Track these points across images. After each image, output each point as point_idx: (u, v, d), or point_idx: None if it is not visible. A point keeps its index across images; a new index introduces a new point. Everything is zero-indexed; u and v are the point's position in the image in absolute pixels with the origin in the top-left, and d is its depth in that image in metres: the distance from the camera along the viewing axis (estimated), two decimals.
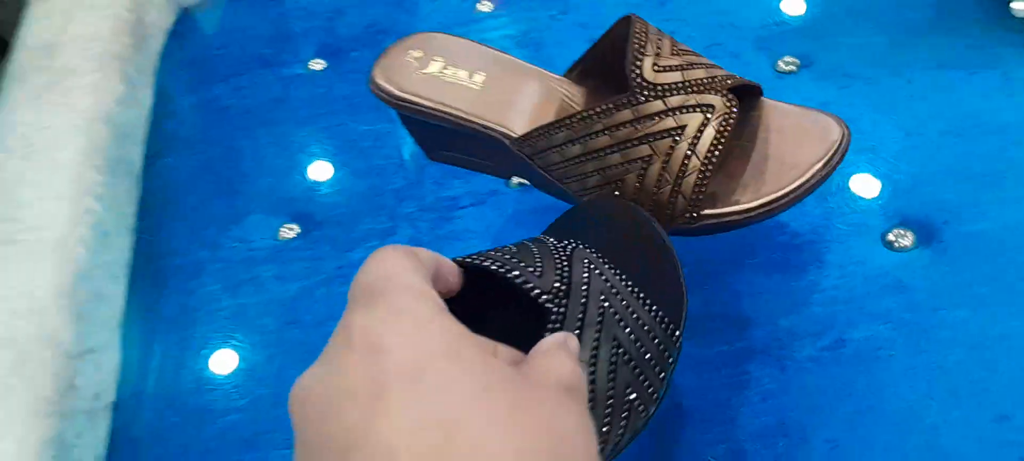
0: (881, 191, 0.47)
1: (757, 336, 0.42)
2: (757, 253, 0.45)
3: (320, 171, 0.56)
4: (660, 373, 0.31)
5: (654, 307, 0.32)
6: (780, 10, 0.58)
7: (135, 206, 0.56)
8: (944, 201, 0.46)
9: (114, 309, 0.50)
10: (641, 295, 0.32)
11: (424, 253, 0.28)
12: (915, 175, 0.47)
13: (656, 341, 0.31)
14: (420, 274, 0.26)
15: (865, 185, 0.47)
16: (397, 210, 0.53)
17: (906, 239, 0.44)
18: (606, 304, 0.30)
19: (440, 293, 0.26)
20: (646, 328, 0.31)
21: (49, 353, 0.44)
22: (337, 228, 0.53)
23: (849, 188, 0.47)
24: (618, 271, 0.32)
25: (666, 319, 0.32)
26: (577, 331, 0.29)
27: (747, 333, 0.42)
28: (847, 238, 0.45)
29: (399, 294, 0.24)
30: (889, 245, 0.44)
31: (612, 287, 0.31)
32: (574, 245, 0.33)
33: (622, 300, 0.31)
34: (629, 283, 0.32)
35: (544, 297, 0.30)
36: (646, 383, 0.31)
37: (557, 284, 0.30)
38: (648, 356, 0.31)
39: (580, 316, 0.30)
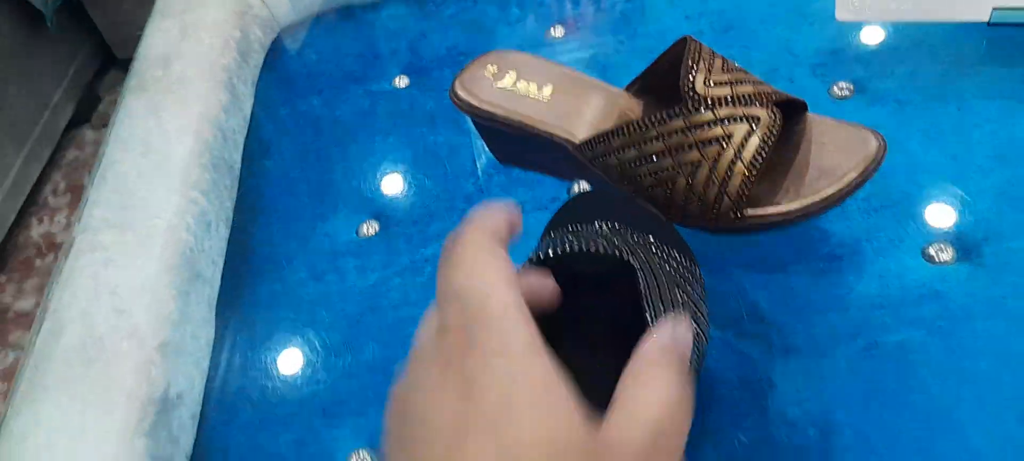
0: (925, 209, 0.49)
1: (795, 335, 0.45)
2: (801, 260, 0.48)
3: (400, 176, 0.61)
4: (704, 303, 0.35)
5: (674, 251, 0.36)
6: (838, 39, 0.61)
7: (234, 202, 0.62)
8: (986, 221, 0.48)
9: (213, 290, 0.56)
10: (664, 245, 0.36)
11: (510, 224, 0.29)
12: (959, 196, 0.49)
13: (694, 278, 0.35)
14: (513, 284, 0.26)
15: (909, 203, 0.50)
16: (467, 212, 0.58)
17: (946, 253, 0.47)
18: (658, 255, 0.34)
19: (534, 309, 0.27)
20: (685, 265, 0.35)
21: (157, 322, 0.50)
22: (412, 227, 0.58)
23: (894, 205, 0.50)
24: (637, 231, 0.36)
25: (687, 258, 0.36)
26: (656, 289, 0.33)
27: (785, 332, 0.45)
28: (888, 250, 0.48)
29: (495, 325, 0.24)
30: (929, 258, 0.47)
31: (649, 243, 0.35)
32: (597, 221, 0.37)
33: (662, 251, 0.35)
34: (650, 236, 0.36)
35: (633, 262, 0.33)
36: (701, 315, 0.35)
37: (622, 253, 0.34)
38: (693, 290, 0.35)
39: (654, 276, 0.33)
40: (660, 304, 0.34)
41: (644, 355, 0.26)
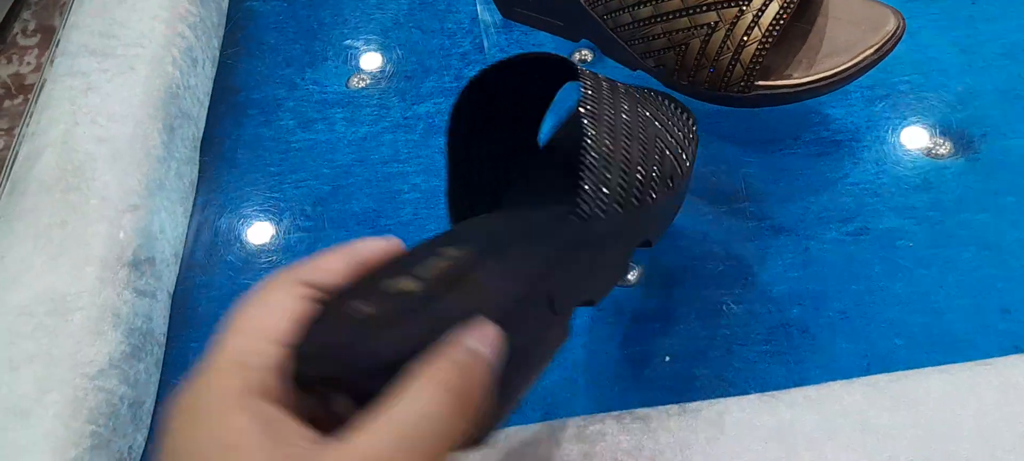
0: (928, 101, 0.49)
1: (787, 214, 0.45)
2: (799, 141, 0.48)
3: (393, 27, 0.59)
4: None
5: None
6: None
7: (220, 40, 0.60)
8: (987, 117, 0.48)
9: (197, 128, 0.55)
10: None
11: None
12: (964, 90, 0.49)
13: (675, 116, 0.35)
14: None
15: (913, 93, 0.49)
16: (462, 71, 0.56)
17: (943, 147, 0.47)
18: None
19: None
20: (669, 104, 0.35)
21: (142, 155, 0.48)
22: (405, 82, 0.56)
23: (898, 94, 0.49)
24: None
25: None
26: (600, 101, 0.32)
27: (778, 210, 0.45)
28: (887, 140, 0.48)
29: None
30: (927, 151, 0.47)
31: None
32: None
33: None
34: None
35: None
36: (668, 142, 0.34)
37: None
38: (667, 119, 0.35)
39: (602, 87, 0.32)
40: (601, 121, 0.31)
41: (418, 366, 0.23)
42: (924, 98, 0.49)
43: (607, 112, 0.32)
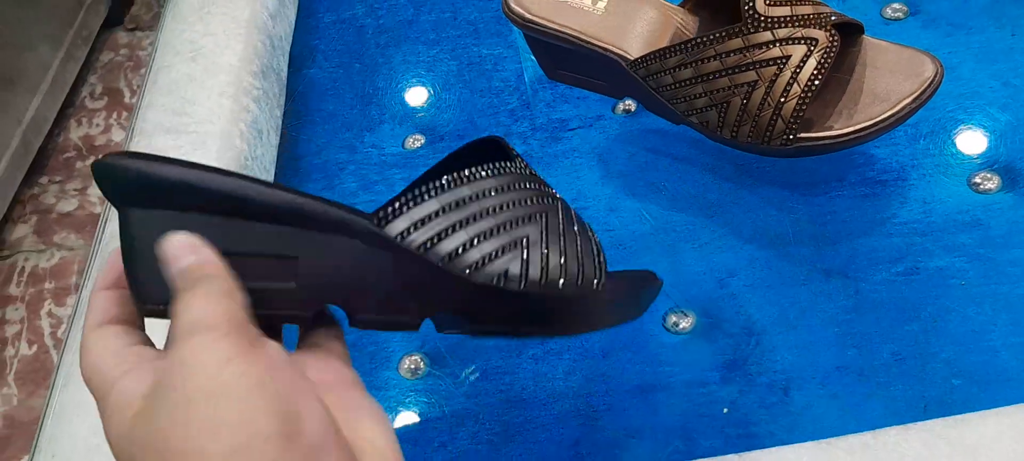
0: (973, 136, 0.49)
1: (837, 257, 0.46)
2: (845, 183, 0.49)
3: (444, 88, 0.62)
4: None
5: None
6: None
7: (283, 110, 0.63)
8: None
9: None
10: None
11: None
12: (1008, 124, 0.49)
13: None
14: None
15: (958, 129, 0.50)
16: (512, 128, 0.58)
17: (991, 182, 0.47)
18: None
19: None
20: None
21: None
22: (458, 141, 0.59)
23: (942, 131, 0.50)
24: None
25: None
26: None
27: (828, 253, 0.46)
28: (933, 177, 0.48)
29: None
30: (974, 187, 0.47)
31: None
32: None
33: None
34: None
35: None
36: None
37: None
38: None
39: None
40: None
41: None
42: (968, 133, 0.50)
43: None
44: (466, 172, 0.31)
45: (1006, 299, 0.43)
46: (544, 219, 0.32)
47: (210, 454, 0.23)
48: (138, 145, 0.57)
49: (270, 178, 0.59)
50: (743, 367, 0.44)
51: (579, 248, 0.32)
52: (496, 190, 0.32)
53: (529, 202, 0.32)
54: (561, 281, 0.31)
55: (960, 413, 0.38)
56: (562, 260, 0.31)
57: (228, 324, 0.25)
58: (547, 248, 0.31)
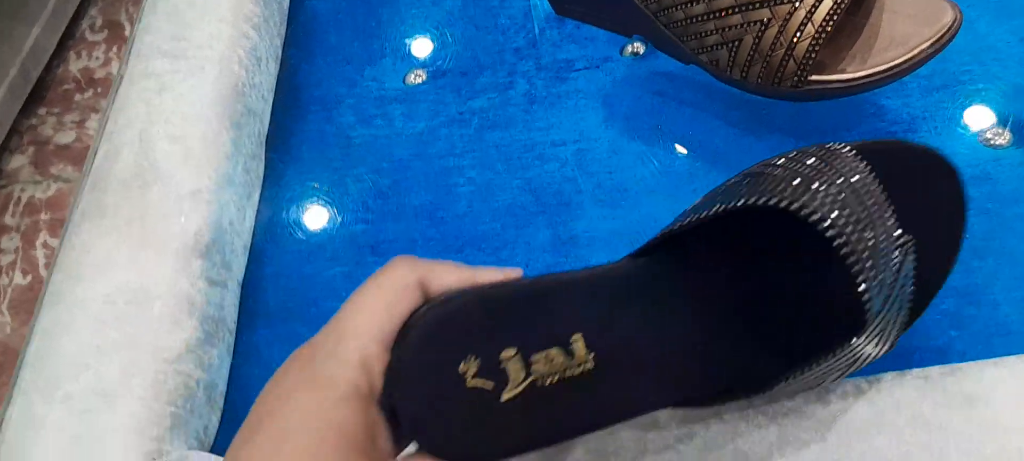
0: (986, 91, 0.48)
1: None
2: (854, 132, 0.48)
3: (448, 23, 0.60)
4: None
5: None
6: None
7: (283, 39, 0.62)
8: None
9: (263, 125, 0.57)
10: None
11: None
12: (1022, 79, 0.48)
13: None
14: (382, 346, 0.27)
15: (971, 83, 0.49)
16: (516, 66, 0.57)
17: (1002, 138, 0.46)
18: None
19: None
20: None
21: (212, 152, 0.51)
22: (461, 78, 0.58)
23: (956, 84, 0.49)
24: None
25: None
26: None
27: None
28: (944, 130, 0.47)
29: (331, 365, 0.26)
30: (985, 142, 0.46)
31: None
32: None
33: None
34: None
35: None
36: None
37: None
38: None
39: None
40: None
41: None
42: (982, 88, 0.48)
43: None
44: None
45: (1011, 253, 0.42)
46: None
47: None
48: (134, 69, 0.55)
49: (269, 109, 0.58)
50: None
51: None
52: None
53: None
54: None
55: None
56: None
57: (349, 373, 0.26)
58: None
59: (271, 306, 0.50)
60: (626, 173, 0.50)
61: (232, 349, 0.48)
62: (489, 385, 0.28)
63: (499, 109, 0.55)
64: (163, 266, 0.46)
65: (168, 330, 0.44)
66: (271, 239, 0.52)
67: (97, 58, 1.28)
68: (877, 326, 0.30)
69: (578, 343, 0.29)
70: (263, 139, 0.56)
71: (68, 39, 1.31)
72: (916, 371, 0.36)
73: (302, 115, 0.58)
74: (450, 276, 0.29)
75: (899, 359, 0.40)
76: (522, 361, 0.28)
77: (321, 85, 0.59)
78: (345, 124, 0.57)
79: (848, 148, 0.33)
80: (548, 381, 0.29)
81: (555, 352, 0.29)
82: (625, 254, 0.35)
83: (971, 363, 0.36)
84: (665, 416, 0.37)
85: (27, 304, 1.06)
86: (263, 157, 0.56)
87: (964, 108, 0.48)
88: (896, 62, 0.40)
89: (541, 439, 0.29)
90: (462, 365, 0.28)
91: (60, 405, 0.41)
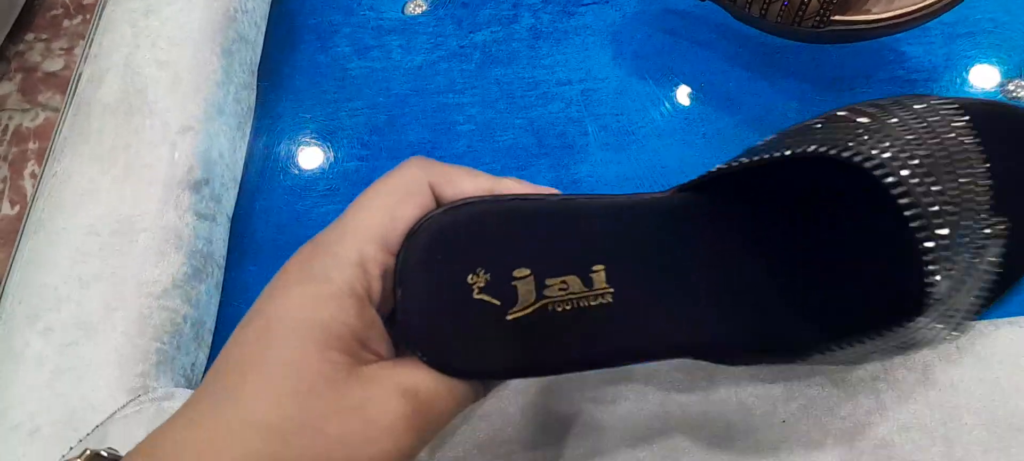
0: (1012, 39, 0.46)
1: None
2: (873, 82, 0.46)
3: None
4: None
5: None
6: None
7: None
8: None
9: (255, 53, 0.55)
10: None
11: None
12: None
13: None
14: (381, 249, 0.26)
15: (997, 31, 0.47)
16: None
17: None
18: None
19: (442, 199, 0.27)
20: None
21: (201, 79, 0.49)
22: (462, 9, 0.55)
23: (981, 32, 0.47)
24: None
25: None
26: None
27: None
28: (965, 80, 0.45)
29: (326, 263, 0.25)
30: (1007, 94, 0.44)
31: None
32: None
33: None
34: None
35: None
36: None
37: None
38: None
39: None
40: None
41: None
42: (1008, 36, 0.46)
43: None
44: None
45: None
46: None
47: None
48: None
49: (261, 37, 0.56)
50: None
51: None
52: None
53: None
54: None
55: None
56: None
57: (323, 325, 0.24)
58: None
59: (261, 242, 0.48)
60: (633, 116, 0.48)
61: (221, 285, 0.46)
62: (496, 302, 0.26)
63: (502, 44, 0.53)
64: (150, 197, 0.44)
65: (154, 263, 0.42)
66: (262, 173, 0.50)
67: None
68: (941, 312, 0.27)
69: (599, 274, 0.27)
70: (255, 68, 0.54)
71: None
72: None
73: (296, 45, 0.56)
74: (467, 183, 0.28)
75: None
76: (535, 283, 0.27)
77: (316, 13, 0.57)
78: (340, 55, 0.54)
79: (953, 106, 0.29)
80: (560, 308, 0.27)
81: (572, 279, 0.27)
82: None
83: (984, 321, 0.35)
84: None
85: (14, 235, 1.04)
86: (255, 87, 0.53)
87: (987, 58, 0.46)
88: (923, 4, 0.37)
89: (544, 366, 0.27)
90: (471, 276, 0.26)
91: (40, 337, 0.40)
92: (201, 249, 0.44)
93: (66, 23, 1.23)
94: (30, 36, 1.22)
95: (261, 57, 0.55)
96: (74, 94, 0.50)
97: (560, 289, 0.27)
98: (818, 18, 0.38)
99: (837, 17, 0.38)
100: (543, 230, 0.28)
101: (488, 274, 0.26)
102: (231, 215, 0.48)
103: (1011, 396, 0.33)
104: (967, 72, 0.46)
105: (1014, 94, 0.44)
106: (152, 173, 0.45)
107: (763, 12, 0.39)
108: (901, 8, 0.38)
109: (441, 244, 0.26)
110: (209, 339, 0.45)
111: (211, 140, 0.47)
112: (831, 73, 0.47)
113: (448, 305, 0.26)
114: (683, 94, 0.48)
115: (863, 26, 0.38)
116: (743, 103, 0.47)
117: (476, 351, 0.26)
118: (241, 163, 0.50)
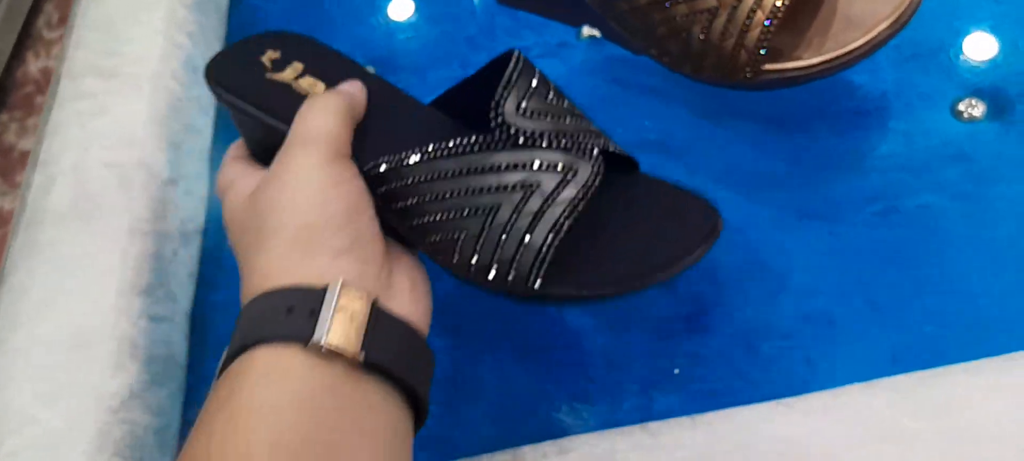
0: (961, 59, 0.45)
1: (812, 196, 0.43)
2: (824, 116, 0.45)
3: (399, 17, 0.57)
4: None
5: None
6: None
7: (222, 43, 0.59)
8: (1023, 74, 0.44)
9: (205, 140, 0.54)
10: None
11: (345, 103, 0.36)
12: (998, 44, 0.45)
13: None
14: (339, 124, 0.34)
15: (944, 50, 0.46)
16: (469, 58, 0.54)
17: (977, 110, 0.44)
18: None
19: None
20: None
21: (146, 179, 0.48)
22: (413, 75, 0.55)
23: (927, 54, 0.46)
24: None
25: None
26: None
27: (802, 193, 0.43)
28: (917, 105, 0.45)
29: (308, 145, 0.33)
30: (958, 115, 0.44)
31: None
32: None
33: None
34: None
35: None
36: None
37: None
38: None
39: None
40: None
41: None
42: (956, 56, 0.46)
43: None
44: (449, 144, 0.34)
45: (987, 240, 0.40)
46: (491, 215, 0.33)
47: (292, 226, 0.31)
48: (65, 89, 0.53)
49: (210, 122, 0.55)
50: (706, 317, 0.41)
51: (522, 244, 0.32)
52: (453, 173, 0.33)
53: (484, 191, 0.33)
54: (490, 275, 0.33)
55: (933, 364, 0.36)
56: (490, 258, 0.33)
57: (325, 139, 0.33)
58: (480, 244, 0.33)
59: (222, 335, 0.48)
60: None
61: (184, 385, 0.46)
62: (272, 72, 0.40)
63: None
64: (102, 307, 0.44)
65: (111, 375, 0.42)
66: (218, 265, 0.50)
67: (57, 57, 1.24)
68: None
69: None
70: (206, 155, 0.54)
71: (25, 38, 1.27)
72: (885, 381, 0.34)
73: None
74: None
75: (874, 359, 0.38)
76: (301, 73, 0.40)
77: None
78: None
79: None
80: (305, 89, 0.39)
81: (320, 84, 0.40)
82: None
83: (941, 369, 0.34)
84: (623, 443, 0.35)
85: None
86: (207, 177, 0.53)
87: (937, 79, 0.45)
88: (855, 45, 0.37)
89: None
90: (267, 55, 0.41)
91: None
92: (159, 354, 0.44)
93: (39, 99, 1.23)
94: (4, 116, 1.22)
95: (213, 142, 0.55)
96: (26, 202, 0.50)
97: (308, 85, 0.40)
98: (750, 70, 0.37)
99: (769, 66, 0.38)
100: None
101: (280, 56, 0.42)
102: (189, 312, 0.48)
103: (970, 443, 0.32)
104: (918, 97, 0.45)
105: (966, 115, 0.44)
106: (105, 280, 0.44)
107: (697, 68, 0.39)
108: (831, 53, 0.37)
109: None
110: (175, 442, 0.44)
111: (162, 239, 0.47)
112: (783, 110, 0.46)
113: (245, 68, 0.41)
114: (633, 143, 0.47)
115: (797, 73, 0.38)
116: (694, 148, 0.46)
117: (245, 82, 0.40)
118: (197, 257, 0.50)
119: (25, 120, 1.22)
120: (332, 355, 0.29)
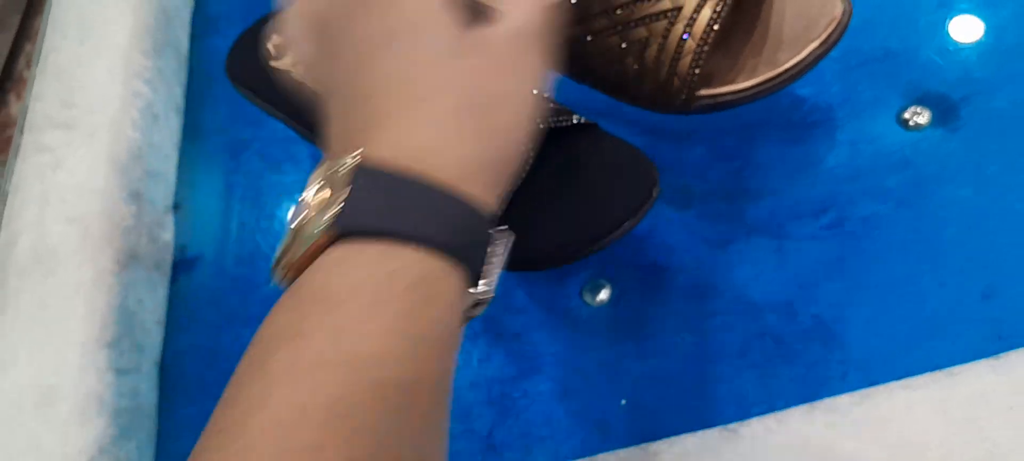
0: (905, 66, 0.46)
1: (759, 212, 0.43)
2: (770, 128, 0.46)
3: None
4: None
5: None
6: None
7: (183, 87, 0.60)
8: (970, 78, 0.44)
9: (168, 185, 0.55)
10: None
11: None
12: (943, 50, 0.46)
13: None
14: None
15: (889, 58, 0.46)
16: None
17: (922, 117, 0.44)
18: None
19: None
20: None
21: (110, 228, 0.49)
22: None
23: (873, 61, 0.46)
24: None
25: None
26: None
27: (750, 208, 0.43)
28: (862, 114, 0.45)
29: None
30: (904, 123, 0.44)
31: None
32: None
33: None
34: None
35: None
36: None
37: None
38: None
39: None
40: None
41: None
42: (900, 63, 0.46)
43: None
44: None
45: (932, 246, 0.40)
46: None
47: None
48: (27, 142, 0.53)
49: (173, 167, 0.56)
50: (654, 340, 0.41)
51: None
52: None
53: None
54: None
55: (879, 377, 0.36)
56: None
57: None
58: None
59: (194, 380, 0.48)
60: None
61: (154, 436, 0.47)
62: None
63: None
64: (67, 362, 0.44)
65: (77, 432, 0.43)
66: (186, 310, 0.50)
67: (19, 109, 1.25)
68: None
69: None
70: (169, 200, 0.54)
71: (6, 80, 1.27)
72: (825, 402, 0.35)
73: (209, 166, 0.56)
74: None
75: (821, 375, 0.38)
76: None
77: (226, 131, 0.57)
78: (252, 171, 0.55)
79: None
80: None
81: None
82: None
83: (880, 387, 0.34)
84: None
85: None
86: (171, 223, 0.54)
87: (882, 87, 0.45)
88: (786, 67, 0.37)
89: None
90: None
91: None
92: (126, 407, 0.45)
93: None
94: None
95: (177, 184, 0.55)
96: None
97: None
98: (684, 97, 0.38)
99: (703, 92, 0.38)
100: None
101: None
102: (158, 360, 0.49)
103: (913, 455, 0.33)
104: (863, 106, 0.45)
105: (911, 123, 0.44)
106: (69, 336, 0.45)
107: (633, 99, 0.39)
108: (764, 75, 0.37)
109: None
110: None
111: (127, 290, 0.48)
112: (729, 125, 0.46)
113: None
114: None
115: (732, 97, 0.38)
116: None
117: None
118: (164, 303, 0.51)
119: (7, 162, 1.23)
120: None
